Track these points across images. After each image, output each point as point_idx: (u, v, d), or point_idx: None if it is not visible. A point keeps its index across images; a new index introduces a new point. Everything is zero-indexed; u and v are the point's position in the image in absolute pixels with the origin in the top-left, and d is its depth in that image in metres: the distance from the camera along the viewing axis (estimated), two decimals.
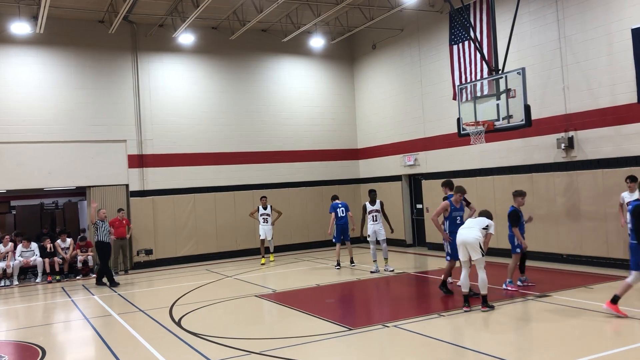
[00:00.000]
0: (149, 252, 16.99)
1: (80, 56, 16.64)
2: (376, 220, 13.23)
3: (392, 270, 13.15)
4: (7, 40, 15.72)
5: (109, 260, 14.21)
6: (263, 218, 16.27)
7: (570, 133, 12.77)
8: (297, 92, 19.71)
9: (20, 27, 15.09)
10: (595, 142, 12.30)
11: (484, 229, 8.96)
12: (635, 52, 11.30)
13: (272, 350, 7.29)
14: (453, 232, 9.79)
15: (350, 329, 8.16)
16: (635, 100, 11.38)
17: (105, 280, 13.91)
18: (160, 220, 17.27)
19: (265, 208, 16.32)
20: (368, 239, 13.44)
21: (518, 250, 10.33)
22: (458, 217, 10.14)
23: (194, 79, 18.19)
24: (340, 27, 18.39)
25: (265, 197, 16.60)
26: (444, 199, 10.78)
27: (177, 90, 17.86)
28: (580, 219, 12.54)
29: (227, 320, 9.60)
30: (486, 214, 9.39)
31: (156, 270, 16.47)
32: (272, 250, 16.64)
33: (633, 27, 11.33)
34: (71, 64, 16.54)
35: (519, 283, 10.51)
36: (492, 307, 8.82)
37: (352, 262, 14.58)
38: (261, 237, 16.34)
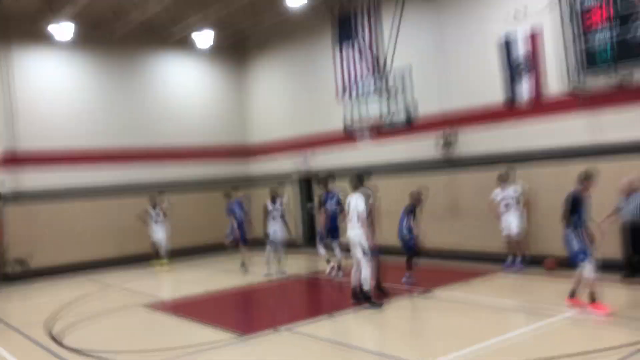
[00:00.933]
0: (23, 262, 15.65)
1: None
2: (275, 220, 13.07)
3: (285, 273, 13.06)
4: None
5: None
6: (155, 220, 15.73)
7: (449, 132, 13.48)
8: (186, 90, 19.15)
9: None
10: (472, 141, 13.09)
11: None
12: (505, 56, 12.19)
13: None
14: None
15: (242, 335, 8.06)
16: (505, 101, 12.25)
17: None
18: (37, 227, 16.00)
19: (155, 209, 15.85)
20: (267, 240, 13.11)
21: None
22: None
23: (73, 73, 17.07)
24: (228, 25, 18.07)
25: (159, 197, 16.11)
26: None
27: (54, 85, 16.64)
28: (460, 216, 13.28)
29: (112, 333, 9.10)
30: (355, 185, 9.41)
31: (32, 282, 15.23)
32: (165, 254, 15.96)
33: (503, 33, 12.19)
34: None
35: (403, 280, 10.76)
36: (376, 305, 9.00)
37: (243, 265, 14.27)
38: (155, 240, 15.81)
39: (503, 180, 11.53)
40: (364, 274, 8.99)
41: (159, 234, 15.74)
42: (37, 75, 16.42)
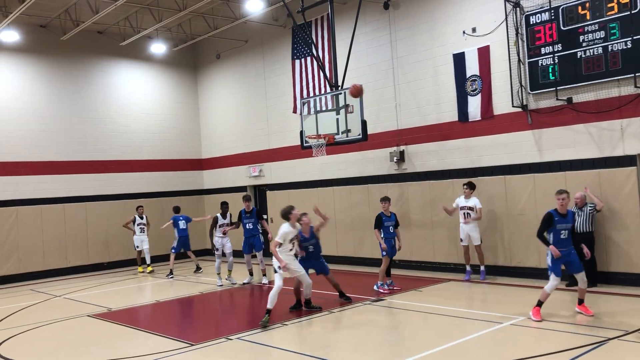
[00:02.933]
0: None
1: None
2: (225, 234, 13.35)
3: (235, 284, 13.09)
4: None
5: None
6: (140, 228, 16.11)
7: (402, 147, 13.75)
8: (137, 99, 18.82)
9: None
10: (423, 156, 13.39)
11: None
12: (456, 75, 12.58)
13: None
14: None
15: (192, 344, 7.93)
16: (456, 118, 12.63)
17: None
18: None
19: (142, 217, 16.17)
20: (216, 252, 13.37)
21: (384, 253, 11.05)
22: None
23: (19, 80, 16.51)
24: (183, 34, 17.97)
25: (141, 206, 16.46)
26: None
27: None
28: (410, 227, 13.52)
29: (55, 344, 8.77)
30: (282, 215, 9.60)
31: None
32: (148, 261, 16.27)
33: (454, 52, 12.59)
34: None
35: (385, 286, 11.06)
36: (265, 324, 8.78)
37: (198, 268, 15.42)
38: (137, 248, 16.22)
39: (470, 189, 11.68)
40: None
41: (144, 242, 16.19)
42: None
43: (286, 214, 9.42)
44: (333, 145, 12.91)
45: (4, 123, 16.07)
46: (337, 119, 12.41)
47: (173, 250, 15.28)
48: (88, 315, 10.52)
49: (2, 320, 10.50)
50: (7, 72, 16.34)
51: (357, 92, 11.42)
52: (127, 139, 18.45)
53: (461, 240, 11.82)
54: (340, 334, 8.38)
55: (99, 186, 17.67)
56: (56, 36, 16.78)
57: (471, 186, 11.74)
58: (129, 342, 8.55)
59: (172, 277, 14.70)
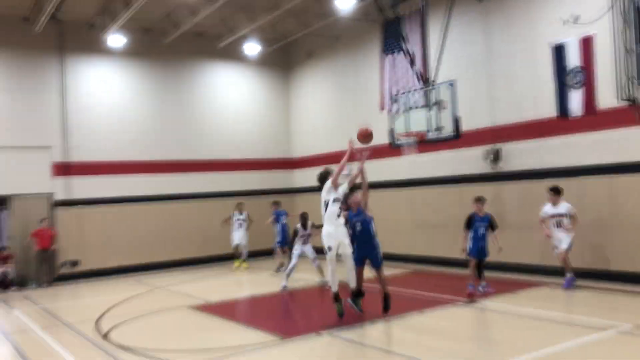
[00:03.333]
0: (74, 263, 16.23)
1: (2, 55, 15.76)
2: (306, 243, 12.98)
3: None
4: None
5: None
6: (238, 223, 16.50)
7: (497, 145, 13.27)
8: (233, 99, 19.50)
9: None
10: (520, 155, 12.84)
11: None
12: (555, 67, 11.93)
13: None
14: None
15: (282, 338, 8.10)
16: (556, 114, 11.99)
17: None
18: (88, 231, 16.57)
19: (241, 213, 16.57)
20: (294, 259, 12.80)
21: (469, 254, 10.78)
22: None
23: (125, 83, 17.64)
24: (276, 33, 18.38)
25: (242, 203, 16.87)
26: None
27: (107, 94, 17.22)
28: (505, 228, 13.00)
29: (157, 333, 9.31)
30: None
31: (83, 282, 15.77)
32: (245, 256, 16.70)
33: (553, 43, 11.94)
34: None
35: (480, 289, 10.69)
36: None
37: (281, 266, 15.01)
38: (235, 243, 16.60)
39: (556, 194, 10.91)
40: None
41: (242, 237, 16.56)
42: (89, 85, 16.96)
43: (326, 175, 9.59)
44: (424, 144, 12.70)
45: (111, 124, 17.21)
46: (429, 116, 12.19)
47: (279, 245, 15.47)
48: (187, 307, 11.04)
49: (111, 308, 11.26)
50: (114, 74, 17.46)
51: (364, 136, 10.07)
52: (223, 139, 19.14)
53: (555, 247, 10.96)
54: (429, 335, 8.23)
55: (198, 185, 18.49)
56: (158, 39, 17.71)
57: (557, 191, 10.89)
58: (223, 333, 8.89)
59: (283, 270, 13.98)
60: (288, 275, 12.58)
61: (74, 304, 12.88)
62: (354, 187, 9.44)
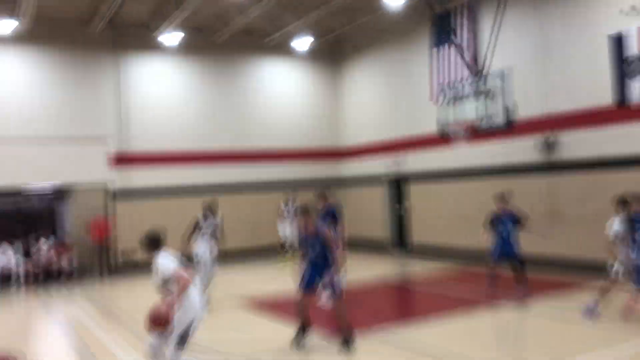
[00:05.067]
0: (129, 254, 16.74)
1: (63, 55, 16.44)
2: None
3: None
4: None
5: None
6: (287, 215, 16.23)
7: (551, 135, 12.92)
8: (282, 93, 19.70)
9: (2, 25, 14.83)
10: (576, 144, 12.47)
11: None
12: (612, 57, 11.52)
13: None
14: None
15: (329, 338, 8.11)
16: (613, 102, 11.58)
17: None
18: (143, 221, 17.00)
19: (289, 205, 16.29)
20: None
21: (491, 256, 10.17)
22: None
23: (177, 79, 18.10)
24: (325, 28, 18.40)
25: (290, 194, 16.62)
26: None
27: (161, 90, 17.75)
28: (563, 222, 12.67)
29: (208, 325, 9.50)
30: None
31: (139, 273, 16.23)
32: (293, 249, 16.24)
33: (611, 32, 11.53)
34: (54, 63, 16.34)
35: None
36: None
37: None
38: (284, 235, 16.37)
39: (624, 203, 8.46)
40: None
41: (287, 230, 16.32)
42: (145, 81, 17.56)
43: None
44: (474, 134, 12.49)
45: (170, 118, 17.74)
46: (479, 106, 12.00)
47: None
48: (238, 298, 11.21)
49: None
50: (168, 71, 17.95)
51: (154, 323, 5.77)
52: (273, 131, 19.41)
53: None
54: (482, 336, 8.11)
55: (248, 175, 18.79)
56: (209, 37, 18.07)
57: (629, 199, 8.41)
58: (282, 327, 8.95)
59: None
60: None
61: (130, 293, 13.30)
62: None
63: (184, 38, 17.43)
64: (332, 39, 19.42)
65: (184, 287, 5.47)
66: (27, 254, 15.29)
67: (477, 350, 7.06)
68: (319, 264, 7.42)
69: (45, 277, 15.28)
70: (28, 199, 22.07)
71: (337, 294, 7.41)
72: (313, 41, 19.23)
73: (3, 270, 14.86)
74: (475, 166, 14.96)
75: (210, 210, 11.18)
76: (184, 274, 5.57)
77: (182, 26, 16.85)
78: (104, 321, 9.87)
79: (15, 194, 18.17)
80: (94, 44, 16.75)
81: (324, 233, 7.41)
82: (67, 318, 10.61)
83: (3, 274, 15.04)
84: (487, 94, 11.89)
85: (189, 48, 18.00)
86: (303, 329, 7.48)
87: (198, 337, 7.94)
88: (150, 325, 5.33)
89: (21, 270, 14.91)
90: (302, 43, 18.82)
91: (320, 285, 7.68)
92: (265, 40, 18.63)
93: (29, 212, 21.50)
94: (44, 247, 15.54)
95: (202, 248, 10.76)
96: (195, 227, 10.90)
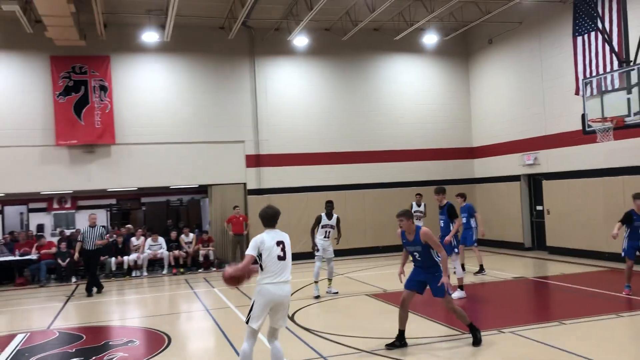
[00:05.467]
0: None
1: (202, 61, 17.66)
2: (327, 237, 11.58)
3: (336, 293, 11.47)
4: (138, 49, 17.02)
5: (97, 269, 13.67)
6: (416, 216, 15.83)
7: None
8: (410, 90, 19.48)
9: (149, 36, 16.33)
10: None
11: None
12: None
13: (381, 350, 7.26)
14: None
15: (463, 333, 7.93)
16: None
17: (95, 290, 13.26)
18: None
19: (419, 205, 15.95)
20: (316, 254, 11.56)
21: (623, 254, 9.92)
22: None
23: (307, 80, 18.62)
24: (455, 22, 17.90)
25: (420, 194, 16.23)
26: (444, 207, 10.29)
27: (292, 91, 18.39)
28: None
29: (337, 318, 9.72)
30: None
31: None
32: None
33: None
34: (194, 69, 17.61)
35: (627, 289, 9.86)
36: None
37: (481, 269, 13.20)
38: None
39: None
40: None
41: None
42: (276, 84, 18.25)
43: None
44: (622, 129, 11.47)
45: (296, 118, 18.32)
46: (629, 99, 10.99)
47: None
48: (365, 294, 11.34)
49: (295, 291, 11.99)
50: (298, 73, 18.53)
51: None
52: (401, 130, 19.26)
53: None
54: (623, 338, 7.45)
55: (376, 175, 18.86)
56: (337, 37, 18.35)
57: None
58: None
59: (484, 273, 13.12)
60: (316, 282, 11.47)
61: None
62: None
63: (313, 39, 17.89)
64: (462, 33, 18.82)
65: (244, 266, 5.82)
66: (175, 244, 16.63)
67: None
68: (422, 266, 7.43)
69: (191, 265, 16.57)
70: (176, 197, 24.06)
71: (445, 293, 7.35)
72: (443, 36, 18.80)
73: (155, 258, 16.31)
74: (624, 164, 13.72)
75: (328, 210, 11.78)
76: (247, 261, 5.89)
77: (311, 28, 17.31)
78: (239, 307, 10.46)
79: (165, 192, 19.86)
80: (230, 49, 17.76)
81: (424, 236, 7.25)
82: (209, 302, 11.40)
83: (155, 261, 16.55)
84: (639, 85, 10.84)
85: (317, 49, 18.43)
86: (401, 333, 7.45)
87: (330, 326, 8.23)
88: (226, 282, 5.89)
89: (170, 258, 16.27)
90: (431, 38, 18.47)
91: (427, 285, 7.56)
92: (393, 37, 18.52)
93: (177, 208, 23.48)
94: (190, 239, 16.81)
95: (321, 242, 11.50)
96: (317, 223, 11.64)
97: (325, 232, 11.60)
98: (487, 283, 12.25)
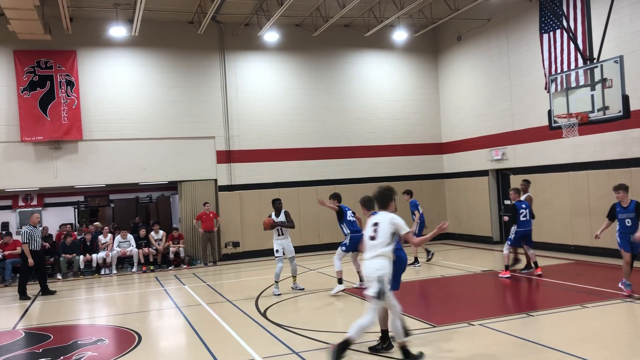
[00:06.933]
0: (236, 244, 17.55)
1: (171, 56, 17.44)
2: (282, 234, 11.35)
3: (303, 289, 11.46)
4: (105, 43, 16.73)
5: (30, 271, 12.88)
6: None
7: None
8: (380, 86, 19.61)
9: (117, 31, 16.06)
10: None
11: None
12: None
13: (356, 344, 7.30)
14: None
15: (434, 326, 8.04)
16: None
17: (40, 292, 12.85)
18: (247, 214, 17.79)
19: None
20: (276, 255, 11.36)
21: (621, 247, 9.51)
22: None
23: (278, 76, 18.56)
24: (424, 19, 18.07)
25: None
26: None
27: (263, 87, 18.31)
28: None
29: (310, 313, 9.74)
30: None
31: (243, 262, 16.98)
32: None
33: None
34: (163, 65, 17.38)
35: (627, 286, 9.40)
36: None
37: (429, 255, 14.48)
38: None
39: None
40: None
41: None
42: (246, 79, 18.14)
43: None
44: (587, 125, 11.74)
45: (267, 114, 18.24)
46: (592, 95, 11.23)
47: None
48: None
49: (267, 288, 11.98)
50: (269, 69, 18.46)
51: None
52: (371, 126, 19.37)
53: None
54: (591, 329, 7.65)
55: (347, 170, 18.94)
56: (308, 33, 18.36)
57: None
58: None
59: (418, 265, 13.93)
60: (277, 282, 11.38)
61: (236, 282, 13.90)
62: None
63: (283, 35, 17.85)
64: (431, 30, 19.01)
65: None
66: (144, 241, 16.43)
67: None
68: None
69: (161, 262, 16.40)
70: (145, 193, 23.71)
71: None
72: (413, 32, 18.96)
73: (124, 255, 16.09)
74: (588, 159, 14.06)
75: (280, 206, 11.61)
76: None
77: (282, 23, 17.25)
78: (211, 304, 10.40)
79: (134, 189, 19.57)
80: (199, 44, 17.61)
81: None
82: (180, 300, 11.30)
83: (124, 259, 16.33)
84: (602, 82, 11.10)
85: (288, 45, 18.41)
86: (384, 334, 7.14)
87: (303, 322, 8.27)
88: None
89: (139, 256, 16.07)
90: (401, 35, 18.60)
91: None
92: (363, 34, 18.60)
93: (146, 204, 23.14)
94: (159, 236, 16.62)
95: (279, 242, 11.40)
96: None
97: (278, 230, 11.32)
98: (456, 277, 12.43)
